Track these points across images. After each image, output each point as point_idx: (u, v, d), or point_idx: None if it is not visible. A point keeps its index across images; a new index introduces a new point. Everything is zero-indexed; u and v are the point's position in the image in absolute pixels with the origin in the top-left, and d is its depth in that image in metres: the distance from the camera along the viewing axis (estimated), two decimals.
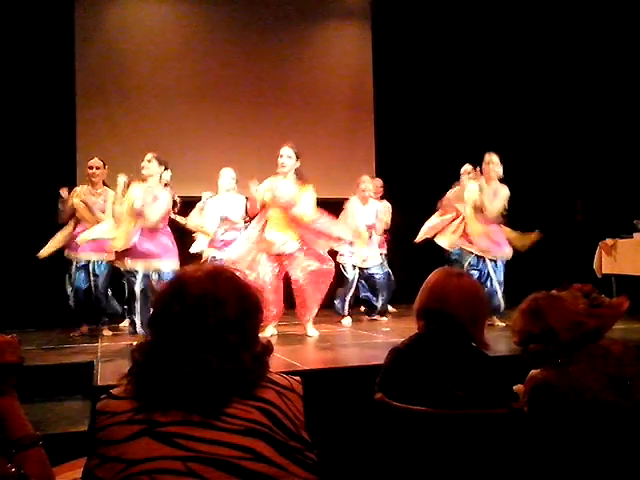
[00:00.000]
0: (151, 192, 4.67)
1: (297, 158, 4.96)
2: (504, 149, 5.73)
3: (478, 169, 5.53)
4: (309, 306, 4.99)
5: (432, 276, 2.09)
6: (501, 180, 5.49)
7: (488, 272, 5.44)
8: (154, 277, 4.66)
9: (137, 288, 4.64)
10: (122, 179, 4.93)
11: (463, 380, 1.86)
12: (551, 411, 1.56)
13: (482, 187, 5.40)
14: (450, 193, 6.05)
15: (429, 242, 5.84)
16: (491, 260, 5.46)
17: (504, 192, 5.45)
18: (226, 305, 1.26)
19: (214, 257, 5.34)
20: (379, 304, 6.19)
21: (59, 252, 5.52)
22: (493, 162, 5.44)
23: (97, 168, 5.48)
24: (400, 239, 6.61)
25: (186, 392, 1.20)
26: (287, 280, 5.08)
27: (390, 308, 6.65)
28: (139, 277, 4.65)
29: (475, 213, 5.47)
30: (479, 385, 1.87)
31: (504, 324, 5.15)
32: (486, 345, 2.03)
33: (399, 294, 6.45)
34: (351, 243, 5.80)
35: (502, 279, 5.48)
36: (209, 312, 1.25)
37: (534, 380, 1.72)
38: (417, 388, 1.85)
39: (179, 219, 5.23)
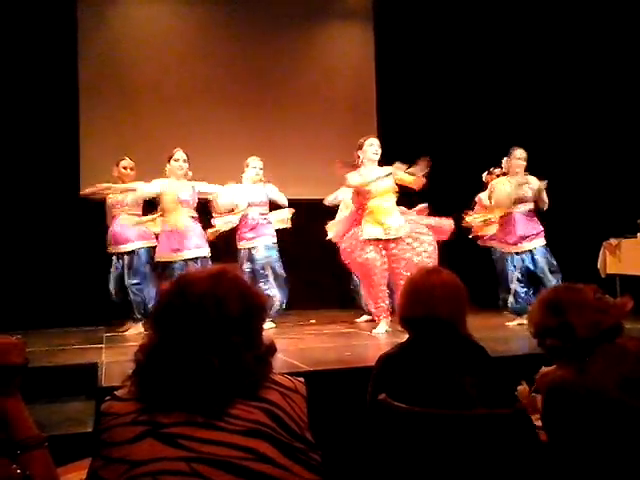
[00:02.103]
0: None
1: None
2: (508, 147, 5.75)
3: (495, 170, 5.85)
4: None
5: (411, 279, 2.10)
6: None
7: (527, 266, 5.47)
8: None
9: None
10: None
11: (464, 380, 1.85)
12: (568, 411, 1.54)
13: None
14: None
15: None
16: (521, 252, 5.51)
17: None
18: (228, 303, 1.26)
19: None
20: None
21: (60, 251, 5.58)
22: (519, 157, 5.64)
23: (131, 169, 5.60)
24: None
25: (189, 393, 1.20)
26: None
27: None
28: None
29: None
30: (481, 384, 1.86)
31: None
32: (469, 335, 2.04)
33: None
34: None
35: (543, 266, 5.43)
36: (211, 310, 1.24)
37: (550, 379, 1.68)
38: (415, 390, 1.85)
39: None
